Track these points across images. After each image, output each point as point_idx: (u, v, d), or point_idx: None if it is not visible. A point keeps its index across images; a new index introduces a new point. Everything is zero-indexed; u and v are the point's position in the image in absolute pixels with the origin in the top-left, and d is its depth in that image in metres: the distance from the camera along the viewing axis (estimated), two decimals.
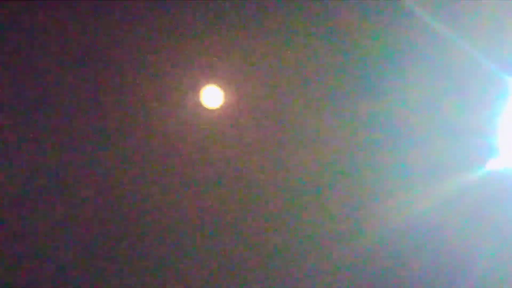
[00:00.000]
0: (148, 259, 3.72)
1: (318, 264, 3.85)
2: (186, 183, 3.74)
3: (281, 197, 3.82)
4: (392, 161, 3.80)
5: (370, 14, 3.79)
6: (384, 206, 3.82)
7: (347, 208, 3.84)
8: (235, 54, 3.74)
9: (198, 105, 3.75)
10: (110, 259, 3.69)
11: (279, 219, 3.82)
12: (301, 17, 3.72)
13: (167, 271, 3.74)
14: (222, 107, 3.76)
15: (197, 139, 3.74)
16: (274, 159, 3.80)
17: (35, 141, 3.61)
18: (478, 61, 3.79)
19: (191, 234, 3.75)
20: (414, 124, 3.81)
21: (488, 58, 3.80)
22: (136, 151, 3.70)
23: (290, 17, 3.72)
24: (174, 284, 3.75)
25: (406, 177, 3.83)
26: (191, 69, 3.73)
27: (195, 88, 3.75)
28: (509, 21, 3.80)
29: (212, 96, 3.77)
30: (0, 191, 3.60)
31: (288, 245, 3.83)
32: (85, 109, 3.63)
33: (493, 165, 3.86)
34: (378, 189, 3.83)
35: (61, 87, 3.61)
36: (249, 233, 3.79)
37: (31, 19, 3.58)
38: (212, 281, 3.79)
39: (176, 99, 3.73)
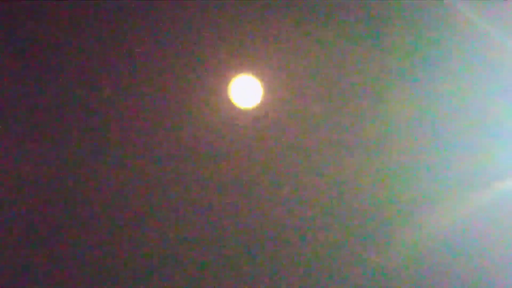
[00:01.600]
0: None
1: (353, 268, 3.76)
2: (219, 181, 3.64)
3: (314, 200, 3.72)
4: (436, 166, 3.70)
5: (412, 14, 3.71)
6: (427, 212, 3.72)
7: (388, 213, 3.73)
8: (271, 53, 3.66)
9: (232, 105, 3.67)
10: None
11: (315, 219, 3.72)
12: (340, 18, 3.65)
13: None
14: (255, 108, 3.67)
15: (230, 139, 3.66)
16: (310, 162, 3.70)
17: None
18: None
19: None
20: (460, 127, 3.72)
21: None
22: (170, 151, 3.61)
23: (328, 18, 3.65)
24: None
25: (450, 183, 3.73)
26: (225, 67, 3.65)
27: (228, 87, 3.67)
28: None
29: (246, 97, 3.68)
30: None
31: (320, 248, 3.73)
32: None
33: None
34: (421, 194, 3.72)
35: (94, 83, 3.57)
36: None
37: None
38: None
39: (209, 99, 3.65)
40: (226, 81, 3.66)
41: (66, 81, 3.56)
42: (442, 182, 3.72)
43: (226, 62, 3.65)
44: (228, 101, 3.66)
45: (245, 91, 3.67)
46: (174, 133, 3.62)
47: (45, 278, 3.50)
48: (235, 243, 3.65)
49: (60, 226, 3.52)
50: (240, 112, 3.66)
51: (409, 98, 3.69)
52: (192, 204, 3.61)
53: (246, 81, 3.66)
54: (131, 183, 3.58)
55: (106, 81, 3.57)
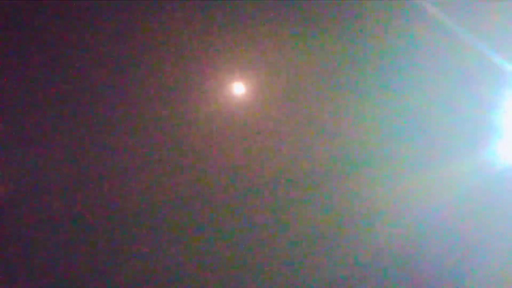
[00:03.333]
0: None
1: (334, 251, 3.94)
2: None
3: (293, 186, 3.92)
4: (406, 152, 3.91)
5: (385, 12, 3.95)
6: (399, 192, 3.94)
7: (362, 197, 3.95)
8: (255, 50, 3.88)
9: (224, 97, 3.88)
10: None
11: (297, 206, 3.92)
12: (319, 13, 3.87)
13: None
14: (244, 100, 3.89)
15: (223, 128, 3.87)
16: (294, 151, 3.92)
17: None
18: (488, 56, 3.91)
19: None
20: (427, 116, 3.94)
21: (497, 54, 3.91)
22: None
23: (308, 14, 3.86)
24: None
25: (419, 165, 3.93)
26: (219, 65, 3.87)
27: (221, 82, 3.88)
28: None
29: (236, 90, 3.90)
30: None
31: (302, 235, 3.94)
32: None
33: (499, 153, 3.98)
34: (393, 177, 3.94)
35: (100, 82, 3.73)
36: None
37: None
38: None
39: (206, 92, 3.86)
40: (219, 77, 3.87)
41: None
42: (411, 166, 3.95)
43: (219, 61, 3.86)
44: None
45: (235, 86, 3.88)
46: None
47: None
48: None
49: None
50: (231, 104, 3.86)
51: (380, 89, 3.90)
52: None
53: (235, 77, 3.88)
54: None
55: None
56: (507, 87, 4.02)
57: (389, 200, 3.95)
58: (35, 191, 3.64)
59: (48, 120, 3.67)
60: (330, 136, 3.93)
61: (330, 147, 3.92)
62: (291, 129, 3.89)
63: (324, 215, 3.90)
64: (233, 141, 3.83)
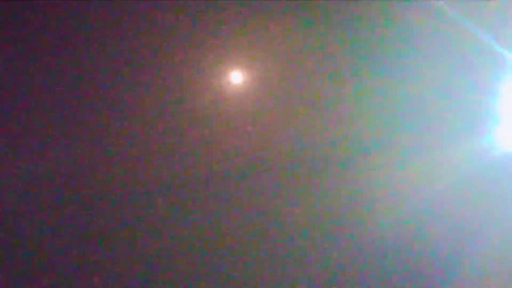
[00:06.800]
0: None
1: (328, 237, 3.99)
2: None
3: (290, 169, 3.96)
4: (404, 138, 3.99)
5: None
6: (398, 178, 4.00)
7: (361, 184, 4.02)
8: (252, 39, 3.95)
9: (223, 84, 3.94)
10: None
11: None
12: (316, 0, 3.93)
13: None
14: (242, 89, 3.95)
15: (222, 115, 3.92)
16: (292, 136, 3.99)
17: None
18: (486, 42, 4.01)
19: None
20: (426, 101, 4.01)
21: (496, 40, 4.02)
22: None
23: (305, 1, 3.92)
24: None
25: (418, 152, 4.00)
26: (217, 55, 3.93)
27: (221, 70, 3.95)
28: None
29: (234, 79, 3.97)
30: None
31: (298, 219, 3.96)
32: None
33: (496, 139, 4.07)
34: (392, 164, 4.00)
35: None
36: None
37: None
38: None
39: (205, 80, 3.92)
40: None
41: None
42: (409, 149, 4.03)
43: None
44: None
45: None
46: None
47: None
48: None
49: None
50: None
51: (378, 74, 4.00)
52: None
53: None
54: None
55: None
56: (505, 74, 4.10)
57: (387, 187, 3.99)
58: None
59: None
60: (328, 124, 3.97)
61: (328, 135, 3.97)
62: (289, 117, 3.94)
63: (323, 202, 3.94)
64: (231, 129, 3.88)
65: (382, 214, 3.99)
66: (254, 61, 3.95)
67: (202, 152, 3.83)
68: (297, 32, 3.98)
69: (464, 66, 4.08)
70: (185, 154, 3.82)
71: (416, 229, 4.02)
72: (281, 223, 3.89)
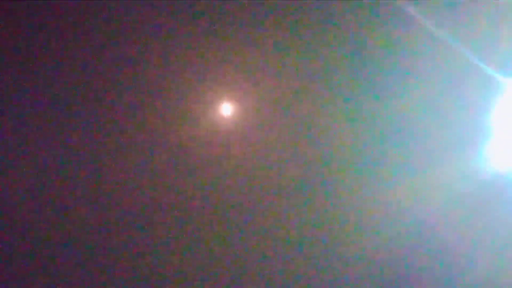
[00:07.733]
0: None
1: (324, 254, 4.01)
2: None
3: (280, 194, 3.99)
4: (395, 156, 3.99)
5: (372, 18, 4.01)
6: (389, 196, 3.99)
7: (355, 200, 4.01)
8: (243, 54, 3.97)
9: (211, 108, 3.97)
10: None
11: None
12: (307, 19, 3.94)
13: None
14: (232, 106, 3.98)
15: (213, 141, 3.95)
16: (284, 156, 4.00)
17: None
18: (475, 63, 4.00)
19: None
20: (415, 120, 4.00)
21: (485, 60, 4.00)
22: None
23: (296, 18, 3.93)
24: None
25: (408, 170, 4.00)
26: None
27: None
28: (505, 24, 4.01)
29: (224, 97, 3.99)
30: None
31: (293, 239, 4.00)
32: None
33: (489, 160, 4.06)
34: (382, 181, 4.00)
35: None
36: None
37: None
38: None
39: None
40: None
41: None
42: (400, 170, 4.02)
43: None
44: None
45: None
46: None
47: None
48: None
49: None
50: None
51: (368, 95, 4.00)
52: None
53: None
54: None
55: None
56: (496, 91, 4.10)
57: (378, 205, 3.99)
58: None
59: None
60: (319, 141, 3.98)
61: (318, 153, 3.97)
62: (280, 135, 3.95)
63: (313, 221, 3.95)
64: (221, 148, 3.90)
65: (371, 234, 3.99)
66: (244, 78, 3.98)
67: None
68: (288, 51, 3.99)
69: (454, 85, 4.07)
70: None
71: (406, 249, 4.01)
72: (269, 242, 3.93)
